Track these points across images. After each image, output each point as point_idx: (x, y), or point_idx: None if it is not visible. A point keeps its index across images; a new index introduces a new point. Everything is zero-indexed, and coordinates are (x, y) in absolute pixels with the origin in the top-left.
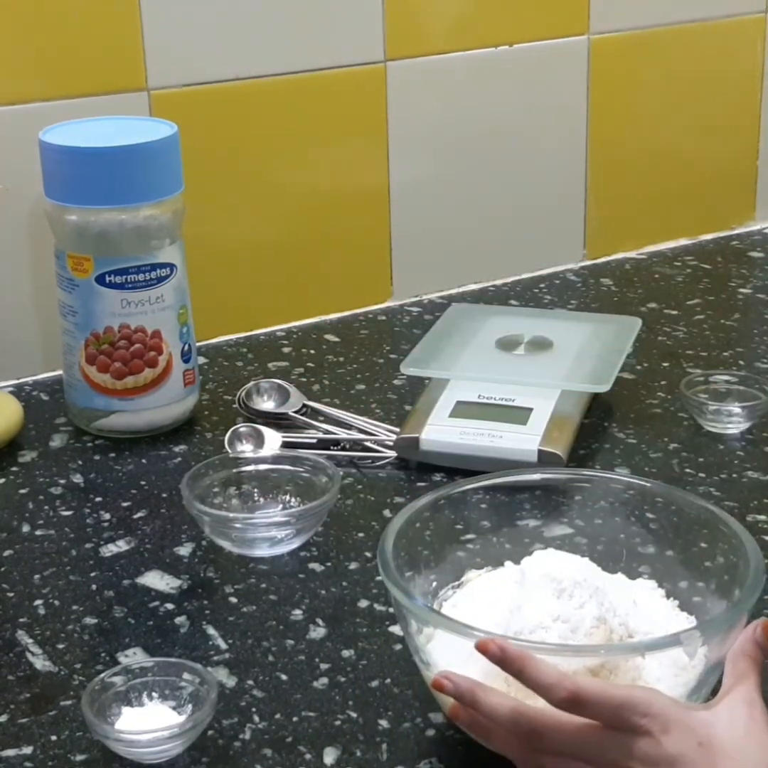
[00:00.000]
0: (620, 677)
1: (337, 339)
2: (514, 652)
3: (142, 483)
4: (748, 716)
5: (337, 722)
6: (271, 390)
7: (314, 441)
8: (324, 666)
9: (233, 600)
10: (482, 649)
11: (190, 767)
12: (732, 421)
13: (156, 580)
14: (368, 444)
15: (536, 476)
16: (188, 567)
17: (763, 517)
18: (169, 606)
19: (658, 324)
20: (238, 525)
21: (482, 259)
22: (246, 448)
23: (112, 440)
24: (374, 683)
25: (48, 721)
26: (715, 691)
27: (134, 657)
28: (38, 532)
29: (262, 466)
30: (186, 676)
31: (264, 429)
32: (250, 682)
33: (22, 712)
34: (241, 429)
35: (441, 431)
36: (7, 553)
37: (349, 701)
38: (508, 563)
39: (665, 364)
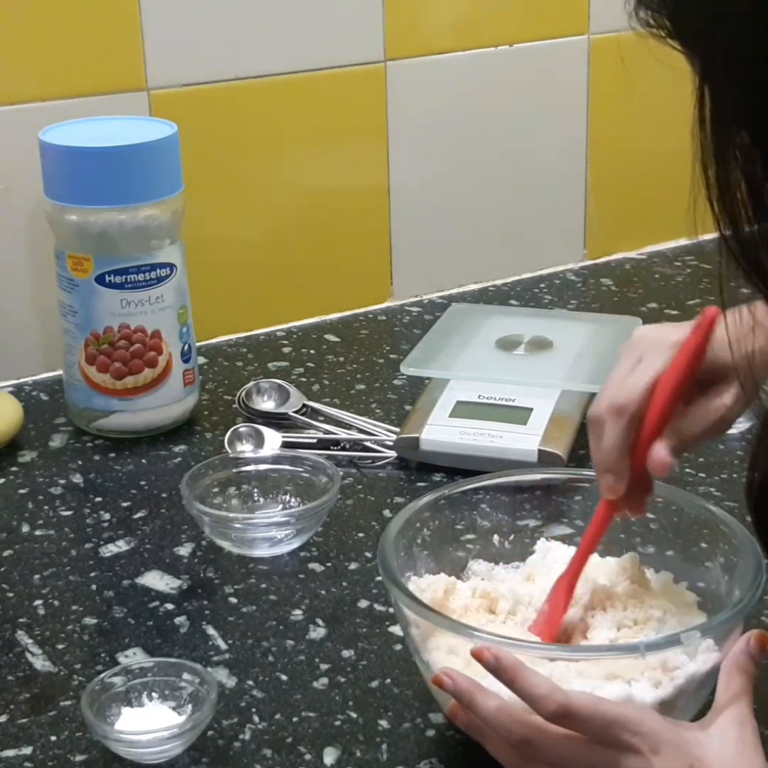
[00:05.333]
0: None
1: (337, 339)
2: (508, 662)
3: (142, 483)
4: (739, 737)
5: (337, 722)
6: (271, 390)
7: (314, 441)
8: (324, 666)
9: (233, 600)
10: (477, 656)
11: (190, 767)
12: None
13: (156, 580)
14: (368, 444)
15: (536, 476)
16: (188, 567)
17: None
18: (169, 606)
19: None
20: (238, 525)
21: (482, 259)
22: (246, 448)
23: (111, 440)
24: (374, 683)
25: (48, 722)
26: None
27: (134, 657)
28: (38, 532)
29: (262, 466)
30: (186, 676)
31: (264, 429)
32: (250, 682)
33: (22, 712)
34: (241, 429)
35: (441, 431)
36: (7, 553)
37: (349, 701)
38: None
39: None
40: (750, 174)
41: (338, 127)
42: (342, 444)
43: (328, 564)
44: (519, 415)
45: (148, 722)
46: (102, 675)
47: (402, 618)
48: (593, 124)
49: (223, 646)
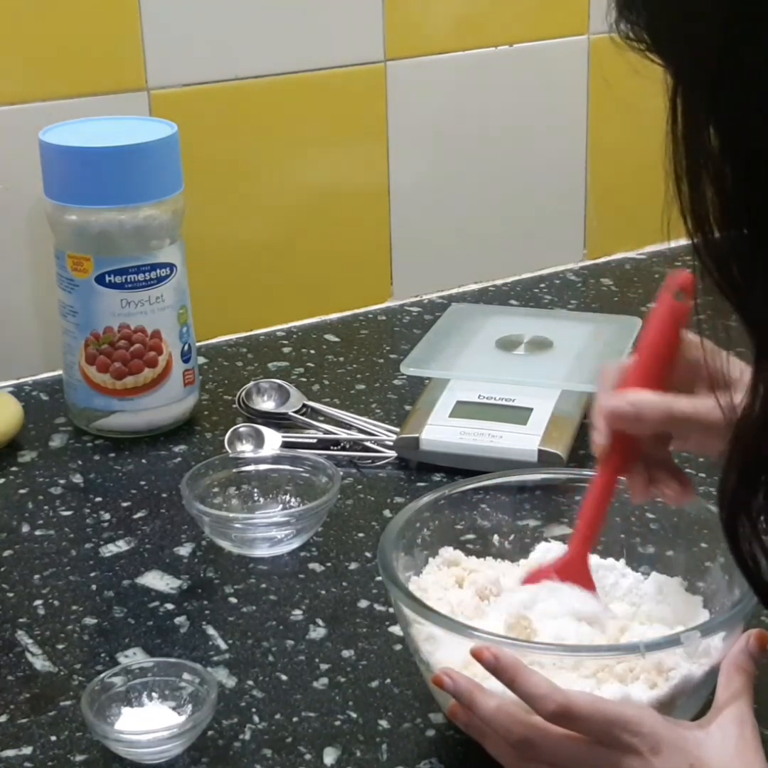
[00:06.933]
0: None
1: (337, 339)
2: (508, 661)
3: (142, 483)
4: (739, 736)
5: (337, 722)
6: (271, 390)
7: (314, 441)
8: (324, 666)
9: (233, 600)
10: (477, 655)
11: (189, 767)
12: None
13: (156, 580)
14: (368, 444)
15: (536, 476)
16: (188, 567)
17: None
18: (169, 606)
19: None
20: (238, 525)
21: (482, 259)
22: (246, 448)
23: (112, 440)
24: (374, 683)
25: (48, 721)
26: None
27: (134, 657)
28: (38, 532)
29: (262, 466)
30: (186, 676)
31: (264, 429)
32: (250, 682)
33: (22, 712)
34: (241, 429)
35: (441, 431)
36: (7, 553)
37: (349, 701)
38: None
39: None
40: (720, 186)
41: (338, 127)
42: (342, 444)
43: (328, 564)
44: (519, 415)
45: (148, 722)
46: (102, 675)
47: (402, 618)
48: (593, 124)
49: (223, 646)
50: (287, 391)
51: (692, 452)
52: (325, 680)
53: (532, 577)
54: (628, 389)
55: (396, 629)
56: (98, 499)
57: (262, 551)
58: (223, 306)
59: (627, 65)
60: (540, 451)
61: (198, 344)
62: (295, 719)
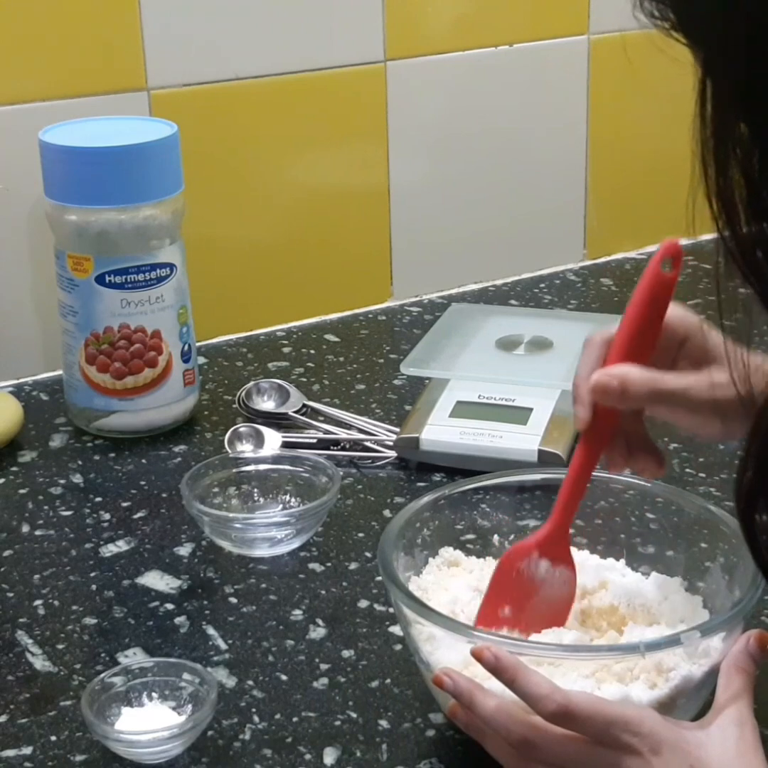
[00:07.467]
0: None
1: (337, 339)
2: (508, 661)
3: (142, 483)
4: (739, 737)
5: (337, 722)
6: (271, 390)
7: (314, 441)
8: (324, 666)
9: (233, 600)
10: (477, 655)
11: (190, 767)
12: None
13: (156, 580)
14: (368, 444)
15: (536, 476)
16: (188, 567)
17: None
18: (169, 606)
19: None
20: (238, 525)
21: (482, 259)
22: (246, 448)
23: (112, 440)
24: (374, 683)
25: (48, 721)
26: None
27: (134, 657)
28: (38, 532)
29: (262, 466)
30: (186, 676)
31: (264, 429)
32: (250, 682)
33: (22, 712)
34: (241, 429)
35: (441, 431)
36: (7, 553)
37: (349, 701)
38: None
39: None
40: (748, 171)
41: (338, 127)
42: (342, 444)
43: (328, 564)
44: (519, 415)
45: (148, 722)
46: (102, 675)
47: (402, 618)
48: (593, 124)
49: (223, 646)
50: (287, 391)
51: (677, 426)
52: (325, 680)
53: (512, 555)
54: (613, 363)
55: (396, 629)
56: (98, 499)
57: (262, 551)
58: (223, 306)
59: (628, 62)
60: (540, 451)
61: (198, 344)
62: (295, 719)
